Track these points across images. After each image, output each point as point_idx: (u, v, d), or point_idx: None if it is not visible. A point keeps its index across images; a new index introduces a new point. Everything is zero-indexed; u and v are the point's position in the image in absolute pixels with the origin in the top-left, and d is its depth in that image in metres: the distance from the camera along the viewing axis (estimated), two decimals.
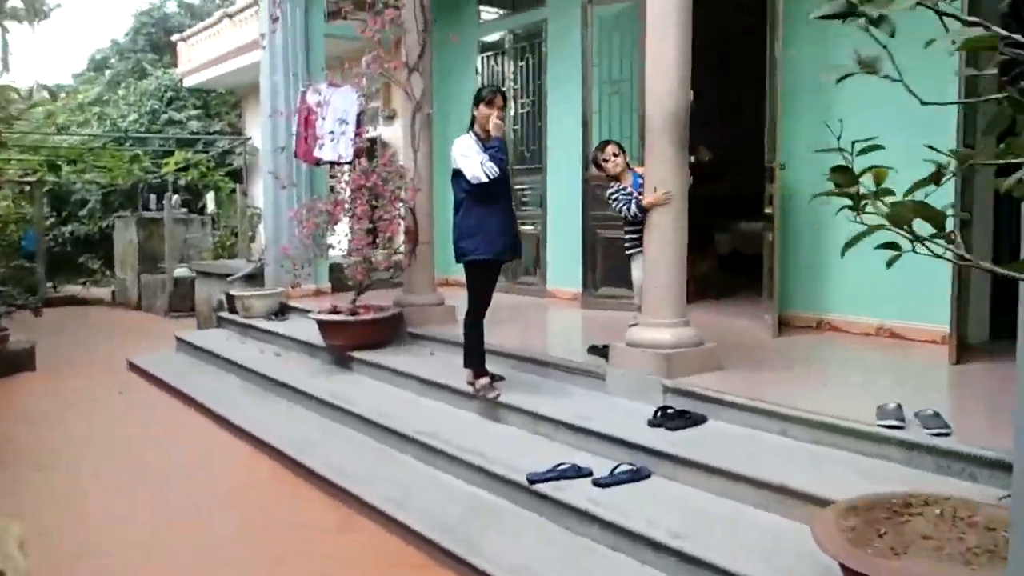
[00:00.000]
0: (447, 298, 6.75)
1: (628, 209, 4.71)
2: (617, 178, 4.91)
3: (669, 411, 4.07)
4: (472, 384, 4.78)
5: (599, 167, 5.01)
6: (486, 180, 4.47)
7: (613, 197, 4.86)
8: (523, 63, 8.34)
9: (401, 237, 6.56)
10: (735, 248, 8.03)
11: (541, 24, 8.04)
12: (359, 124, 7.04)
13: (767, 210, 5.82)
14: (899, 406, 3.54)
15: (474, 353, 4.77)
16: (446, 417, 4.84)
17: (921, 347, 5.06)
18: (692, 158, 7.31)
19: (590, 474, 3.74)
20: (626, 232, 4.99)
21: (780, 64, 5.34)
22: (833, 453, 3.50)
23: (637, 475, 3.69)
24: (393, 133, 12.33)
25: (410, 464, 4.50)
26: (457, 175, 4.65)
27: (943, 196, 1.73)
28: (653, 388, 4.30)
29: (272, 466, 4.94)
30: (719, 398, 4.01)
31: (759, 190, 9.49)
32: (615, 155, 4.91)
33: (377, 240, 6.27)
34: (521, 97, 8.39)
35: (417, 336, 6.31)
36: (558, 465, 3.82)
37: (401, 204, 6.28)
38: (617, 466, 3.75)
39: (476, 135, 4.66)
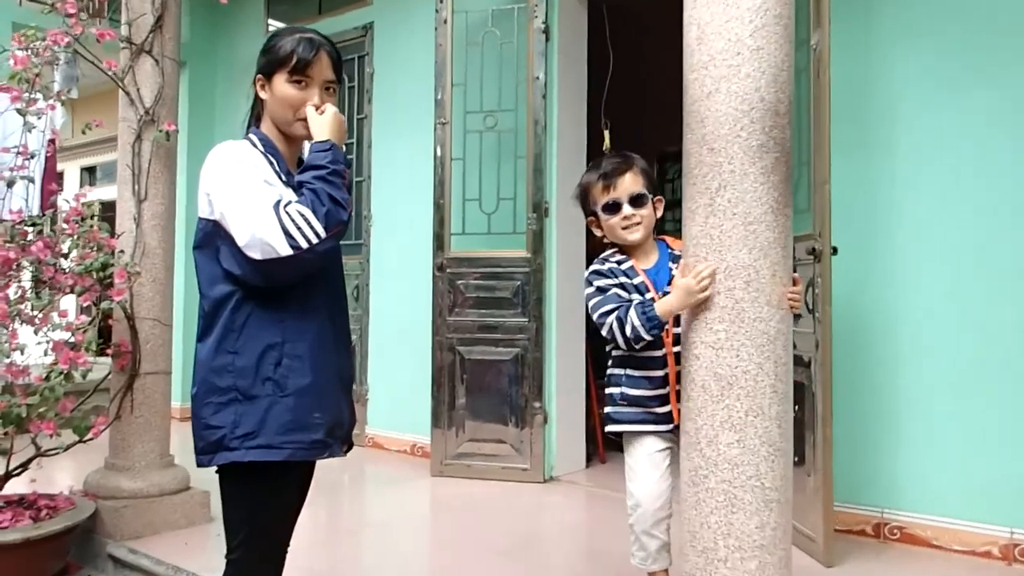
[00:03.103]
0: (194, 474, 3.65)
1: (622, 327, 2.05)
2: (623, 250, 2.24)
3: None
4: None
5: (592, 219, 2.29)
6: (290, 253, 1.63)
7: (592, 290, 2.17)
8: None
9: (108, 361, 3.47)
10: None
11: (363, 31, 5.34)
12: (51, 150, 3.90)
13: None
14: None
15: None
16: None
17: None
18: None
19: None
20: (612, 366, 2.25)
21: (826, 81, 2.95)
22: None
23: None
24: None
25: None
26: (210, 240, 1.76)
27: None
28: None
29: None
30: None
31: None
32: (639, 195, 2.17)
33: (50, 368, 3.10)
34: None
35: (126, 566, 3.15)
36: None
37: (108, 302, 3.20)
38: None
39: (263, 142, 1.83)
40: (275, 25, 6.01)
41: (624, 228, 2.16)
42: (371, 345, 5.21)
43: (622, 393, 2.18)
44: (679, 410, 1.96)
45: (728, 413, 1.74)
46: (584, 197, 2.27)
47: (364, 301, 5.26)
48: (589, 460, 4.63)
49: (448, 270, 4.48)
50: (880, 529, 3.25)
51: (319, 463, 1.91)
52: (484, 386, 4.42)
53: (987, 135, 3.10)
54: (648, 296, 2.11)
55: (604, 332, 2.11)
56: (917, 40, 3.26)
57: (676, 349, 2.08)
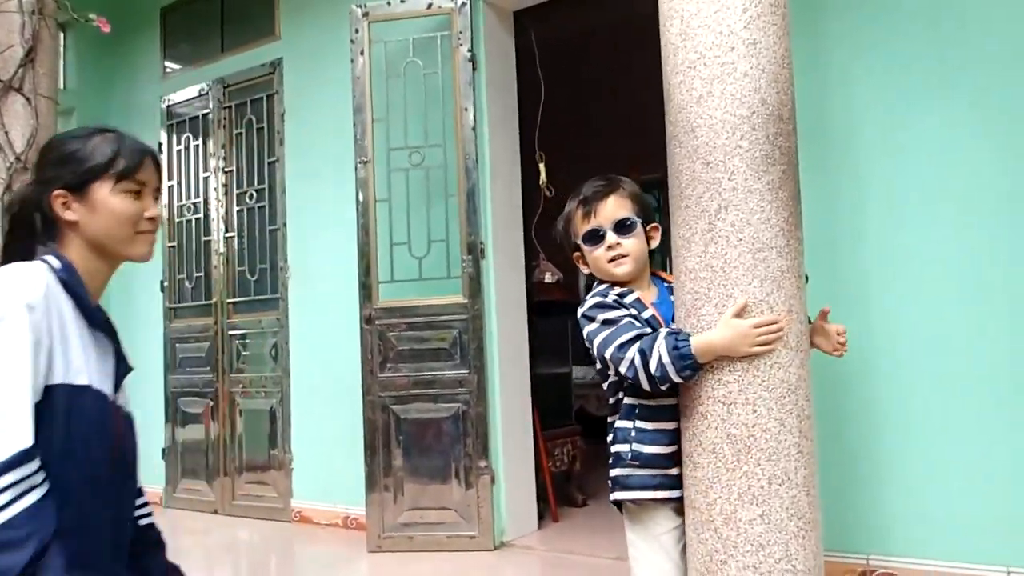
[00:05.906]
0: None
1: (646, 362, 1.60)
2: (617, 282, 1.81)
3: None
4: None
5: (577, 255, 1.89)
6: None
7: (595, 326, 1.73)
8: (240, 131, 5.13)
9: None
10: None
11: (271, 68, 4.95)
12: None
13: None
14: None
15: None
16: None
17: None
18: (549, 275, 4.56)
19: None
20: (619, 416, 1.78)
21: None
22: None
23: None
24: None
25: None
26: None
27: None
28: None
29: None
30: None
31: None
32: (624, 221, 1.74)
33: None
34: (240, 187, 5.12)
35: None
36: None
37: None
38: None
39: (67, 271, 1.34)
40: (173, 68, 5.55)
41: (611, 261, 1.76)
42: (294, 409, 4.73)
43: (633, 451, 1.72)
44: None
45: (747, 483, 1.42)
46: (567, 229, 1.89)
47: (284, 361, 4.79)
48: (541, 520, 4.26)
49: (377, 322, 4.09)
50: None
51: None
52: (423, 447, 4.01)
53: (953, 148, 2.92)
54: (659, 326, 1.74)
55: (623, 369, 1.65)
56: (877, 51, 3.09)
57: None
